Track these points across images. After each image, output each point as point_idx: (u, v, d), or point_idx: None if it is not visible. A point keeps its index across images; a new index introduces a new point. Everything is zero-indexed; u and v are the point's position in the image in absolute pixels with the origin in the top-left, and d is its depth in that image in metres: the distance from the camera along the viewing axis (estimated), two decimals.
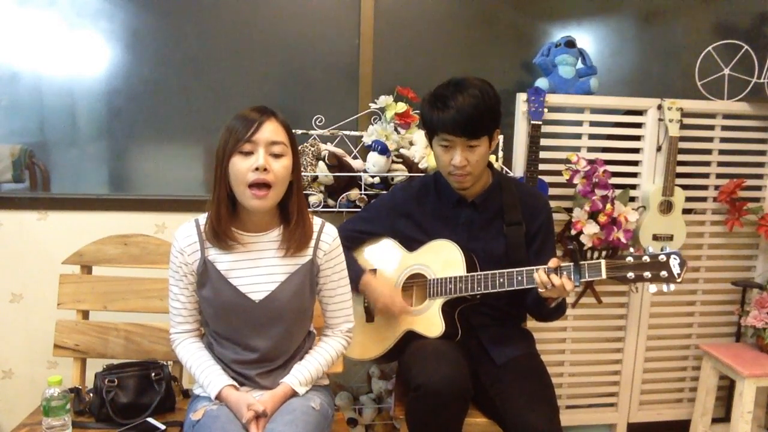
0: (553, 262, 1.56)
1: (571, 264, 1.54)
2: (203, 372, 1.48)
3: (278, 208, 1.48)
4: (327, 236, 1.53)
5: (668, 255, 1.48)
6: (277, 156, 1.40)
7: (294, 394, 1.47)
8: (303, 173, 2.03)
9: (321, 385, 1.59)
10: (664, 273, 1.48)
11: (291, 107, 2.28)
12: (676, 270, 1.47)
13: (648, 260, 1.49)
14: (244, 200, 1.40)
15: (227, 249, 1.46)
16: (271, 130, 1.39)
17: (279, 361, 1.51)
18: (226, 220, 1.43)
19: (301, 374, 1.50)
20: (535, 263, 1.63)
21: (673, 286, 1.49)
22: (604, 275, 1.52)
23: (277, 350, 1.50)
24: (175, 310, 1.53)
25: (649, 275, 1.49)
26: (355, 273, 1.76)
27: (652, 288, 1.51)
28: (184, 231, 1.48)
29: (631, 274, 1.50)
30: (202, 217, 1.48)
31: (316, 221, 1.54)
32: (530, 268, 1.60)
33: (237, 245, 1.46)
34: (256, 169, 1.36)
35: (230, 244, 1.45)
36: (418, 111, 2.16)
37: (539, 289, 1.57)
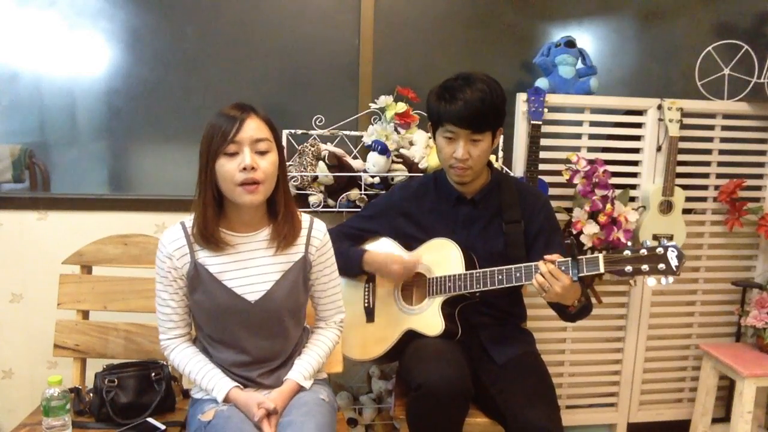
0: (552, 257, 1.55)
1: (569, 259, 1.54)
2: (204, 377, 1.46)
3: (267, 205, 1.47)
4: (318, 232, 1.53)
5: (666, 247, 1.47)
6: (262, 153, 1.39)
7: (300, 388, 1.48)
8: (303, 173, 2.04)
9: (320, 378, 1.60)
10: (662, 266, 1.47)
11: (291, 107, 2.28)
12: (674, 262, 1.46)
13: (646, 253, 1.48)
14: (236, 197, 1.38)
15: (217, 251, 1.44)
16: (253, 128, 1.38)
17: (278, 360, 1.51)
18: (213, 222, 1.41)
19: (304, 369, 1.51)
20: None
21: (671, 279, 1.47)
22: (602, 269, 1.51)
23: (275, 350, 1.50)
24: (164, 316, 1.49)
25: (647, 268, 1.47)
26: (356, 255, 1.78)
27: (651, 281, 1.49)
28: (170, 235, 1.45)
29: (629, 268, 1.49)
30: (188, 220, 1.45)
31: (305, 218, 1.53)
32: (528, 264, 1.60)
33: (227, 246, 1.44)
34: (244, 168, 1.35)
35: (220, 246, 1.44)
36: (418, 111, 2.17)
37: (540, 295, 1.57)
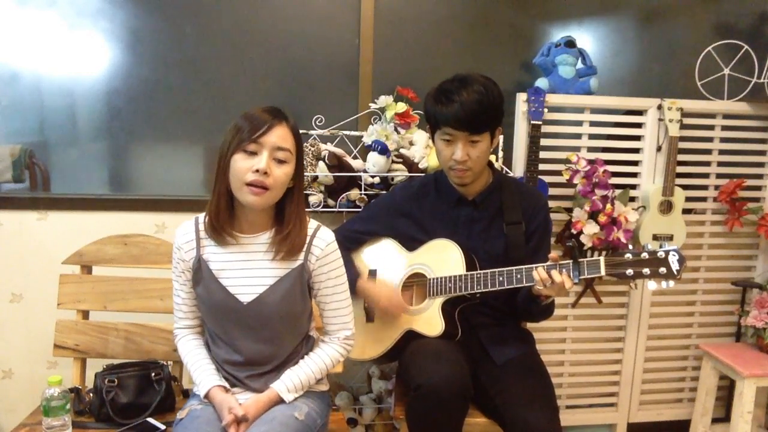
0: (552, 258, 1.56)
1: (570, 261, 1.54)
2: (197, 370, 1.48)
3: (275, 210, 1.47)
4: (320, 241, 1.48)
5: (667, 251, 1.48)
6: (280, 162, 1.39)
7: (281, 400, 1.45)
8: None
9: (317, 391, 1.56)
10: (663, 269, 1.48)
11: (291, 107, 2.22)
12: (675, 266, 1.47)
13: (647, 257, 1.49)
14: (241, 196, 1.39)
15: (224, 244, 1.46)
16: (279, 135, 1.38)
17: (269, 365, 1.49)
18: (224, 213, 1.42)
19: (290, 381, 1.47)
20: (530, 262, 1.63)
21: (672, 283, 1.48)
22: (603, 272, 1.51)
23: (266, 354, 1.48)
24: (176, 306, 1.55)
25: (648, 272, 1.48)
26: (351, 277, 1.74)
27: (652, 285, 1.51)
28: (183, 228, 1.50)
29: (630, 271, 1.50)
30: (203, 215, 1.48)
31: (312, 224, 1.50)
32: (529, 266, 1.60)
33: (233, 242, 1.46)
34: (257, 170, 1.35)
35: (227, 240, 1.45)
36: (418, 111, 2.17)
37: (537, 287, 1.57)
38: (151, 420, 1.66)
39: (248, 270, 1.46)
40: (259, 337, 1.47)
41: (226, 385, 1.46)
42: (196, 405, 1.45)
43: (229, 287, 1.45)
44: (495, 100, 1.64)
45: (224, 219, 1.43)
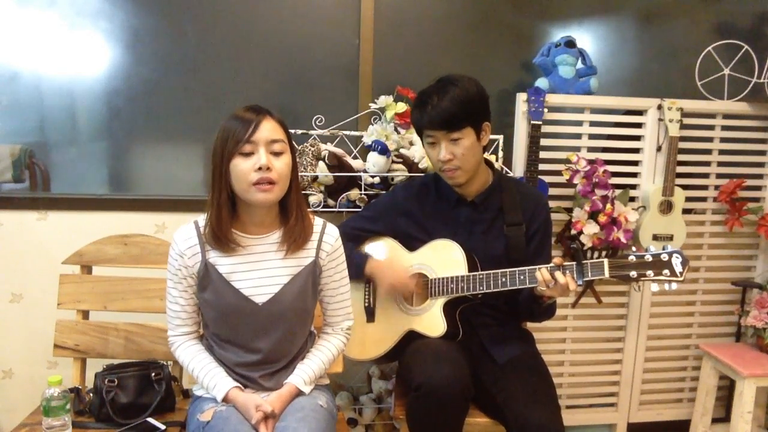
0: (556, 261, 1.56)
1: (574, 263, 1.54)
2: (207, 374, 1.47)
3: (279, 208, 1.48)
4: (329, 237, 1.53)
5: (670, 254, 1.49)
6: (277, 154, 1.40)
7: (299, 393, 1.48)
8: (303, 173, 2.04)
9: (322, 384, 1.59)
10: (666, 272, 1.49)
11: (291, 107, 2.28)
12: (678, 269, 1.48)
13: (650, 259, 1.50)
14: (249, 197, 1.38)
15: (228, 251, 1.45)
16: (269, 129, 1.39)
17: (281, 362, 1.51)
18: (226, 223, 1.42)
19: (305, 373, 1.50)
20: (532, 263, 1.63)
21: (675, 285, 1.49)
22: (607, 274, 1.52)
23: (280, 352, 1.50)
24: (173, 313, 1.51)
25: (652, 274, 1.50)
26: (360, 259, 1.76)
27: (654, 287, 1.52)
28: (183, 233, 1.46)
29: (633, 273, 1.51)
30: (201, 219, 1.47)
31: (318, 221, 1.53)
32: (532, 267, 1.60)
33: (238, 247, 1.45)
34: (259, 168, 1.35)
35: (231, 247, 1.44)
36: None
37: (540, 288, 1.57)
38: (151, 420, 1.66)
39: (260, 271, 1.46)
40: (273, 335, 1.48)
41: (241, 386, 1.46)
42: (218, 407, 1.43)
43: (242, 289, 1.45)
44: (469, 96, 1.64)
45: (227, 227, 1.42)
